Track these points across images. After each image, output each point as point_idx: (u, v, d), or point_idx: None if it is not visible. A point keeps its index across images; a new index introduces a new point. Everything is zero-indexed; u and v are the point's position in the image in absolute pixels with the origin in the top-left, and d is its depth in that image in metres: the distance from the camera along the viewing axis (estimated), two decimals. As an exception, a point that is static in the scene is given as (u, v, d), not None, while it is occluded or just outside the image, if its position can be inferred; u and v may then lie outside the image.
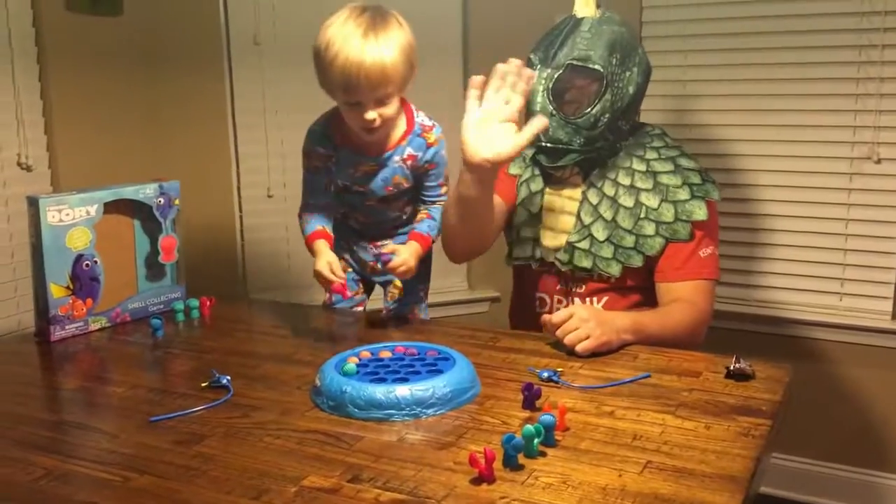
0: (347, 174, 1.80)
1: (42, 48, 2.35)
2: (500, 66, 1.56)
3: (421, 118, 1.81)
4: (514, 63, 1.56)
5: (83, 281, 1.73)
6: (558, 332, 1.53)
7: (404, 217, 1.89)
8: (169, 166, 2.52)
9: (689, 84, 2.62)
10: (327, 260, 1.70)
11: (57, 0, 2.37)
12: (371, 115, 1.64)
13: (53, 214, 1.67)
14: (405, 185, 1.82)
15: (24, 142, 2.32)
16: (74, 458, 1.20)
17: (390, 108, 1.66)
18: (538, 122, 1.57)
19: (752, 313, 2.60)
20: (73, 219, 1.70)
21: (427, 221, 1.84)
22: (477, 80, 1.58)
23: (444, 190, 1.86)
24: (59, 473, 1.15)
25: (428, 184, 1.84)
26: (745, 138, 2.58)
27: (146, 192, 1.82)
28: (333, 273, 1.68)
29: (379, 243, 1.89)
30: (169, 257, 1.88)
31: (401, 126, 1.78)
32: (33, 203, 1.66)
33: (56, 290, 1.69)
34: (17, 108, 2.31)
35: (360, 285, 1.96)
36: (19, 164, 2.32)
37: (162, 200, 1.84)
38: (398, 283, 1.88)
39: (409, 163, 1.79)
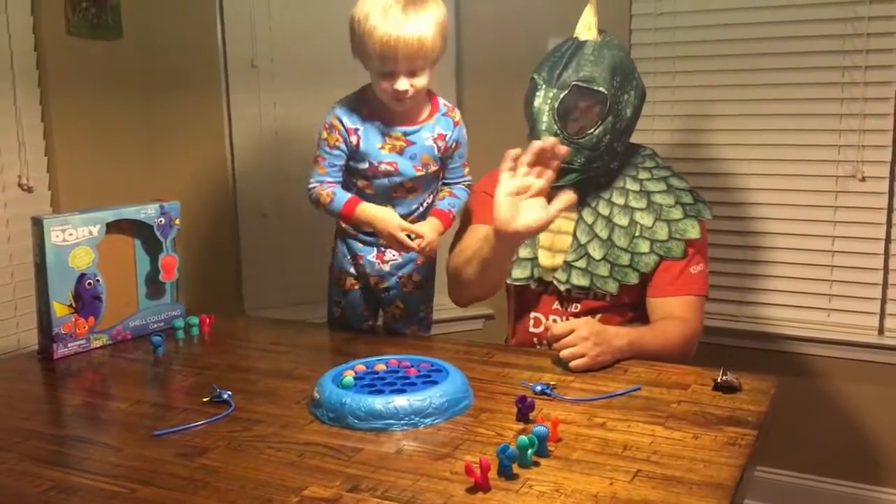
0: (375, 150, 1.79)
1: (43, 72, 2.39)
2: (536, 143, 1.61)
3: (443, 100, 1.86)
4: (551, 141, 1.61)
5: (85, 299, 1.76)
6: (556, 345, 1.57)
7: (421, 209, 1.88)
8: (168, 187, 2.56)
9: (677, 104, 2.68)
10: (398, 223, 1.77)
11: (58, 25, 2.42)
12: (403, 84, 1.69)
13: (57, 234, 1.70)
14: (432, 168, 1.84)
15: (25, 163, 2.36)
16: (80, 470, 1.23)
17: (422, 80, 1.72)
18: (567, 197, 1.62)
19: (742, 329, 2.64)
20: (76, 238, 1.73)
21: (449, 199, 1.88)
22: (513, 153, 1.62)
23: (466, 171, 1.91)
24: (67, 486, 1.18)
25: (453, 165, 1.88)
26: (732, 157, 2.63)
27: (147, 212, 1.86)
28: (409, 235, 1.76)
29: (385, 258, 1.90)
30: (169, 276, 1.91)
31: (426, 105, 1.83)
32: (38, 223, 1.70)
33: (59, 309, 1.72)
34: (19, 131, 2.34)
35: (366, 309, 1.96)
36: (20, 186, 2.35)
37: (162, 220, 1.88)
38: (399, 303, 1.91)
39: (439, 143, 1.82)
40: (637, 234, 1.83)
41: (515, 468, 1.17)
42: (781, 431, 2.58)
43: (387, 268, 1.89)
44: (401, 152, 1.80)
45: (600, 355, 1.57)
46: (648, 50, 2.67)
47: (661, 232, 1.82)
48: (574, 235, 1.86)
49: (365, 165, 1.80)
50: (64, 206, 2.41)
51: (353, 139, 1.79)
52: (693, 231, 1.82)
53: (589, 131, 1.79)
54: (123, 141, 2.62)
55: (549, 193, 1.90)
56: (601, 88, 1.78)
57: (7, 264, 2.32)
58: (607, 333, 1.63)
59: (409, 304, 1.92)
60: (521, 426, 1.32)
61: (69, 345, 1.74)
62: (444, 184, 1.91)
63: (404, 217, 1.82)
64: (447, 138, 1.84)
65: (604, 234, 1.84)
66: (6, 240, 2.31)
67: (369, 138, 1.79)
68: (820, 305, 2.59)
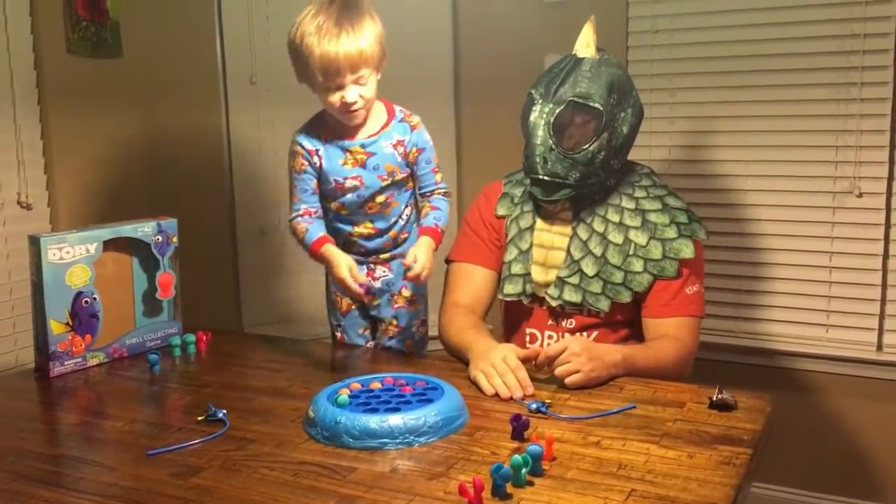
0: (338, 167, 1.81)
1: (43, 90, 2.41)
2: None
3: (399, 108, 1.87)
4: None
5: (82, 317, 1.76)
6: (559, 369, 1.57)
7: (402, 222, 1.89)
8: (166, 205, 2.56)
9: (675, 121, 2.69)
10: (347, 265, 1.73)
11: (58, 43, 2.44)
12: (352, 94, 1.72)
13: (54, 252, 1.71)
14: (399, 175, 1.84)
15: (25, 181, 2.37)
16: (75, 490, 1.23)
17: (369, 89, 1.75)
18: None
19: (740, 345, 2.64)
20: (74, 257, 1.74)
21: (432, 213, 1.85)
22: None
23: (439, 177, 1.90)
24: (60, 506, 1.18)
25: (421, 172, 1.87)
26: (730, 173, 2.63)
27: (144, 230, 1.87)
28: (355, 278, 1.72)
29: (377, 275, 1.91)
30: (166, 293, 1.92)
31: (382, 115, 1.85)
32: (34, 241, 1.70)
33: (56, 327, 1.72)
34: (18, 148, 2.36)
35: (367, 329, 1.97)
36: (19, 203, 2.36)
37: (160, 238, 1.89)
38: (393, 320, 1.92)
39: (399, 149, 1.83)
40: (631, 252, 1.83)
41: (509, 488, 1.17)
42: (779, 448, 2.57)
43: (377, 284, 1.90)
44: (363, 165, 1.81)
45: (594, 370, 1.57)
46: (645, 66, 2.68)
47: (655, 251, 1.82)
48: (568, 251, 1.86)
49: (331, 185, 1.82)
50: (63, 223, 2.42)
51: (316, 160, 1.82)
52: (687, 251, 1.82)
53: (584, 147, 1.80)
54: (123, 159, 2.63)
55: (544, 209, 1.92)
56: (597, 104, 1.79)
57: (6, 281, 2.33)
58: (600, 349, 1.62)
59: (401, 321, 1.93)
60: (516, 444, 1.32)
61: (66, 363, 1.74)
62: (421, 194, 1.91)
63: (385, 231, 1.86)
64: (406, 143, 1.84)
65: (598, 250, 1.84)
66: (5, 257, 2.32)
67: (331, 157, 1.81)
68: (818, 321, 2.58)
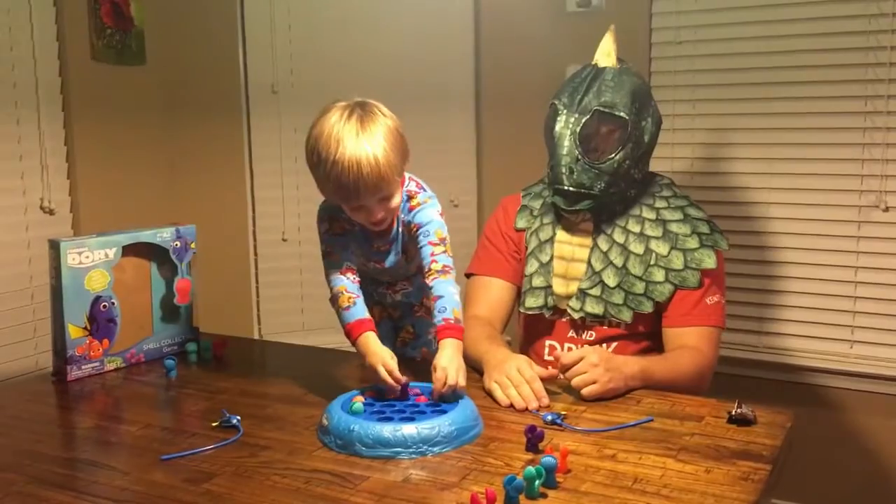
0: (363, 250, 1.73)
1: (67, 97, 2.44)
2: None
3: (410, 185, 1.70)
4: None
5: (100, 322, 1.77)
6: (567, 374, 1.56)
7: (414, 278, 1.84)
8: (187, 210, 2.58)
9: (697, 132, 2.67)
10: (382, 361, 1.52)
11: (83, 51, 2.46)
12: (378, 213, 1.59)
13: (73, 257, 1.72)
14: (413, 254, 1.74)
15: (48, 186, 2.40)
16: (88, 494, 1.23)
17: (395, 200, 1.61)
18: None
19: (762, 360, 2.61)
20: (93, 261, 1.75)
21: (437, 306, 1.58)
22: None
23: (439, 249, 1.63)
24: (72, 509, 1.18)
25: (420, 245, 1.66)
26: (753, 185, 2.61)
27: (163, 235, 1.87)
28: (391, 372, 1.51)
29: (397, 289, 1.88)
30: (184, 299, 1.92)
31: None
32: (54, 246, 1.72)
33: (74, 331, 1.73)
34: (42, 154, 2.39)
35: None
36: (42, 208, 2.39)
37: (178, 244, 1.90)
38: (410, 328, 1.91)
39: (403, 229, 1.71)
40: (652, 262, 1.81)
41: (523, 500, 1.15)
42: (802, 465, 2.53)
43: (398, 297, 1.88)
44: (386, 253, 1.73)
45: (611, 381, 1.54)
46: (668, 78, 2.67)
47: (677, 261, 1.80)
48: (588, 263, 1.85)
49: (360, 256, 1.73)
50: (85, 228, 2.44)
51: (344, 238, 1.70)
52: (709, 261, 1.80)
53: (610, 156, 1.79)
54: (145, 165, 2.65)
55: (564, 221, 1.91)
56: (622, 114, 1.78)
57: (28, 286, 2.35)
58: (617, 361, 1.60)
59: (417, 328, 1.92)
60: (530, 456, 1.31)
61: (83, 367, 1.75)
62: (427, 266, 1.65)
63: (405, 277, 1.80)
64: (406, 223, 1.69)
65: (619, 261, 1.82)
66: (27, 262, 2.34)
67: (357, 238, 1.71)
68: (843, 337, 2.55)
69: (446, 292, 1.58)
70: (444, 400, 1.47)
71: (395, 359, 1.53)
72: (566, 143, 1.80)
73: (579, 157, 1.79)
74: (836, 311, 2.54)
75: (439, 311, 1.57)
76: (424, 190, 1.70)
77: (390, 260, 1.74)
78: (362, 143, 1.51)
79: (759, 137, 2.58)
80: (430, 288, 1.61)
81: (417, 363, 1.88)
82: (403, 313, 1.90)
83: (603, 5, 2.71)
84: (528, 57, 2.83)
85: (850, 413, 2.53)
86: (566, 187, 1.80)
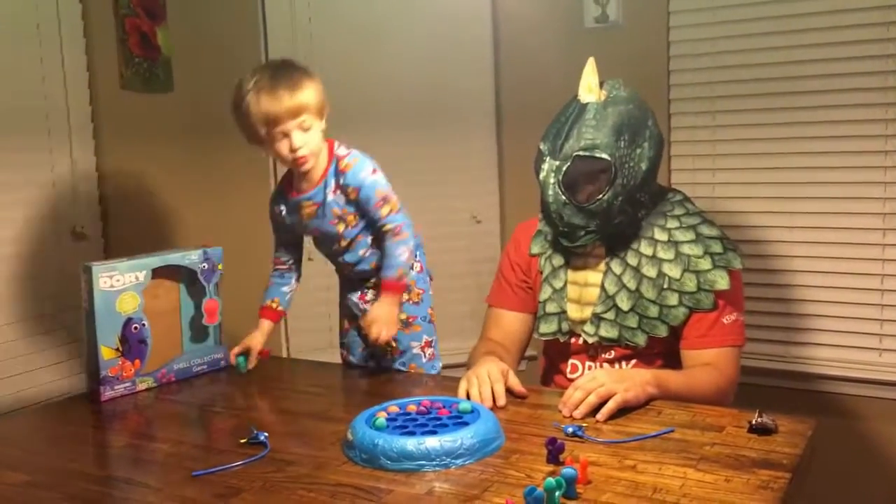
0: (298, 221, 1.93)
1: (98, 124, 2.50)
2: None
3: (339, 150, 1.89)
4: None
5: (132, 343, 1.82)
6: (589, 397, 1.54)
7: (371, 256, 1.93)
8: (215, 233, 2.62)
9: (718, 144, 2.67)
10: (243, 345, 1.96)
11: (112, 79, 2.53)
12: (298, 139, 1.78)
13: (105, 280, 1.77)
14: (350, 218, 1.88)
15: (80, 212, 2.46)
16: (121, 510, 1.27)
17: (314, 137, 1.81)
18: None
19: (788, 370, 2.59)
20: (123, 284, 1.80)
21: (385, 261, 1.86)
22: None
23: (383, 211, 1.85)
24: (106, 525, 1.22)
25: (367, 209, 1.86)
26: (775, 195, 2.61)
27: (191, 258, 1.92)
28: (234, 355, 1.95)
29: (367, 298, 1.97)
30: (212, 319, 1.97)
31: (323, 162, 1.88)
32: (87, 270, 1.77)
33: (106, 352, 1.78)
34: (74, 181, 2.45)
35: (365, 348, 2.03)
36: (74, 233, 2.45)
37: (206, 266, 1.94)
38: (391, 341, 1.94)
39: (338, 193, 1.87)
40: (665, 286, 1.80)
41: (543, 510, 1.17)
42: (830, 475, 2.51)
43: (370, 307, 1.92)
44: (316, 216, 1.89)
45: (629, 390, 1.55)
46: (688, 90, 2.68)
47: (690, 283, 1.80)
48: (602, 287, 1.85)
49: (305, 234, 1.99)
50: (116, 252, 2.49)
51: (282, 219, 1.97)
52: (722, 282, 1.79)
53: (598, 197, 1.77)
54: (173, 190, 2.71)
55: (568, 255, 1.91)
56: (604, 155, 1.75)
57: (62, 309, 2.40)
58: (628, 372, 1.64)
59: (398, 342, 1.95)
60: (551, 468, 1.32)
61: (116, 387, 1.80)
62: (377, 232, 1.89)
63: (358, 262, 1.93)
64: (340, 185, 1.86)
65: (632, 284, 1.83)
66: (61, 286, 2.40)
67: (291, 213, 1.94)
68: (870, 345, 2.53)
69: (393, 253, 1.85)
70: (376, 352, 1.90)
71: (257, 348, 1.95)
72: (551, 191, 1.80)
73: (566, 201, 1.78)
74: (864, 319, 2.53)
75: (385, 269, 1.85)
76: (351, 153, 1.88)
77: (322, 221, 1.89)
78: (283, 73, 1.79)
79: (781, 147, 2.58)
80: (383, 247, 1.86)
81: (437, 379, 1.91)
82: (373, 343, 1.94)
83: (620, 21, 2.73)
84: (546, 73, 2.85)
85: (878, 422, 2.51)
86: (560, 228, 1.82)
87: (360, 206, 1.86)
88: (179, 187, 2.72)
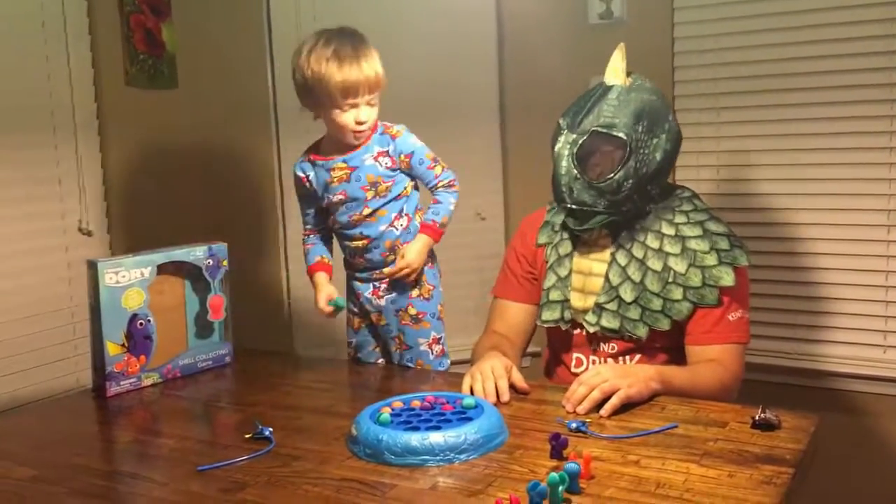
0: (325, 184, 1.93)
1: (103, 121, 2.51)
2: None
3: (382, 122, 1.95)
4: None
5: (137, 339, 1.82)
6: (593, 393, 1.55)
7: (396, 231, 1.93)
8: (220, 229, 2.63)
9: (723, 140, 2.67)
10: (325, 294, 1.93)
11: (117, 76, 2.54)
12: (365, 113, 1.85)
13: (110, 276, 1.78)
14: (383, 185, 1.90)
15: (85, 209, 2.47)
16: (127, 504, 1.28)
17: (375, 112, 1.88)
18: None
19: (793, 366, 2.60)
20: (129, 280, 1.80)
21: (431, 208, 1.94)
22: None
23: (438, 170, 1.94)
24: (112, 519, 1.23)
25: (417, 173, 1.94)
26: (779, 192, 2.61)
27: (196, 254, 1.93)
28: (327, 309, 1.92)
29: (380, 293, 1.96)
30: (217, 315, 1.97)
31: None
32: (92, 266, 1.77)
33: (112, 348, 1.79)
34: (80, 178, 2.45)
35: (377, 346, 2.05)
36: (80, 230, 2.45)
37: (210, 262, 1.95)
38: (400, 336, 1.96)
39: (382, 160, 1.90)
40: (670, 279, 1.81)
41: (546, 505, 1.18)
42: (835, 472, 2.51)
43: (383, 303, 1.96)
44: (347, 180, 1.91)
45: (632, 386, 1.55)
46: (692, 87, 2.68)
47: (695, 278, 1.80)
48: (606, 277, 1.86)
49: (325, 202, 1.96)
50: (121, 248, 2.50)
51: (308, 185, 1.97)
52: (727, 278, 1.79)
53: (609, 176, 1.78)
54: (178, 186, 2.71)
55: (575, 238, 1.93)
56: (621, 134, 1.77)
57: (68, 305, 2.41)
58: (632, 367, 1.64)
59: (407, 338, 1.97)
60: (554, 463, 1.33)
61: (121, 383, 1.80)
62: (431, 191, 1.97)
63: (376, 240, 1.93)
64: (390, 152, 1.91)
65: (636, 276, 1.83)
66: (67, 283, 2.41)
67: (319, 177, 1.95)
68: (875, 342, 2.53)
69: (443, 200, 1.94)
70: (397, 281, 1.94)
71: (334, 293, 1.94)
72: (564, 162, 1.82)
73: (577, 175, 1.80)
74: (869, 315, 2.53)
75: (430, 214, 1.94)
76: (396, 125, 1.95)
77: (352, 184, 1.90)
78: (361, 49, 1.84)
79: (785, 144, 2.58)
80: (434, 196, 1.94)
81: (442, 375, 1.92)
82: (389, 321, 1.96)
83: (625, 17, 2.73)
84: (551, 69, 2.85)
85: (883, 418, 2.51)
86: (568, 204, 1.83)
87: (412, 170, 1.93)
88: (184, 183, 2.73)
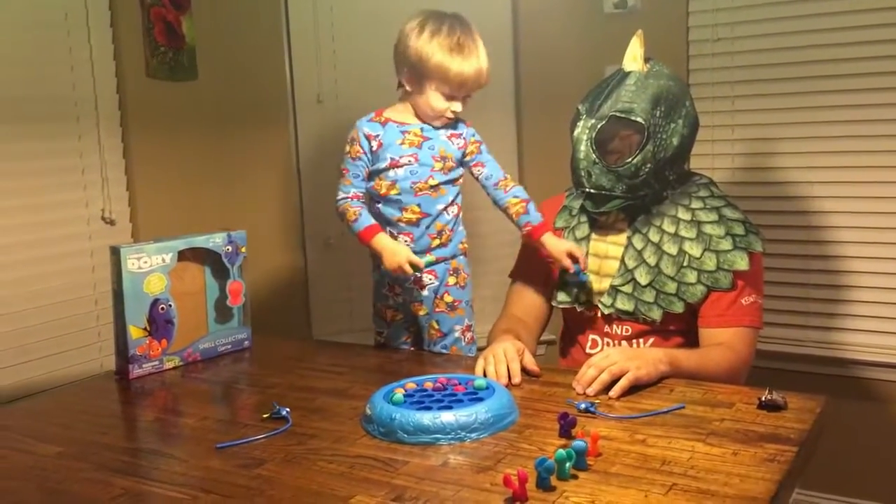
0: (395, 146, 1.91)
1: (125, 112, 2.56)
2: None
3: None
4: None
5: (159, 323, 1.87)
6: (602, 375, 1.58)
7: (448, 217, 1.94)
8: (240, 217, 2.68)
9: (738, 129, 2.68)
10: (407, 253, 1.85)
11: (138, 68, 2.59)
12: (458, 106, 1.90)
13: (133, 262, 1.83)
14: (450, 164, 1.93)
15: (108, 198, 2.52)
16: (149, 479, 1.33)
17: (466, 102, 1.92)
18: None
19: (813, 354, 2.59)
20: (151, 266, 1.85)
21: (530, 207, 1.94)
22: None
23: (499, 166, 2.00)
24: (136, 493, 1.28)
25: (485, 160, 1.97)
26: (796, 180, 2.61)
27: (215, 240, 1.97)
28: (413, 265, 1.85)
29: (423, 283, 1.96)
30: (236, 301, 2.02)
31: None
32: (115, 252, 1.82)
33: (134, 332, 1.84)
34: (102, 167, 2.51)
35: (409, 337, 2.06)
36: (103, 219, 2.51)
37: (230, 248, 1.99)
38: (434, 324, 1.99)
39: (455, 141, 1.94)
40: (685, 263, 1.83)
41: (554, 480, 1.21)
42: (855, 462, 2.53)
43: (425, 293, 1.96)
44: (419, 146, 1.92)
45: (641, 368, 1.58)
46: (707, 75, 2.69)
47: (710, 262, 1.82)
48: (622, 260, 1.89)
49: (387, 162, 1.91)
50: (143, 237, 2.56)
51: (374, 144, 1.92)
52: (741, 263, 1.82)
53: (627, 160, 1.82)
54: (198, 175, 2.77)
55: (592, 221, 1.95)
56: (638, 118, 1.81)
57: (91, 293, 2.47)
58: (640, 350, 1.67)
59: (441, 325, 1.99)
60: (563, 442, 1.36)
61: (143, 365, 1.85)
62: (495, 185, 1.97)
63: (432, 217, 1.92)
64: (462, 136, 1.95)
65: (652, 260, 1.86)
66: (90, 270, 2.47)
67: (389, 137, 1.92)
68: (894, 330, 2.53)
69: (524, 195, 1.96)
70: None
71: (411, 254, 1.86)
72: (583, 147, 1.85)
73: (596, 160, 1.83)
74: (888, 304, 2.52)
75: (533, 215, 1.93)
76: None
77: (424, 152, 1.91)
78: (472, 43, 1.88)
79: (801, 131, 2.58)
80: (513, 193, 1.96)
81: (455, 358, 1.95)
82: (429, 309, 1.98)
83: (639, 6, 2.75)
84: (566, 59, 2.87)
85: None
86: (587, 189, 1.86)
87: (481, 155, 1.97)
88: (204, 173, 2.78)
